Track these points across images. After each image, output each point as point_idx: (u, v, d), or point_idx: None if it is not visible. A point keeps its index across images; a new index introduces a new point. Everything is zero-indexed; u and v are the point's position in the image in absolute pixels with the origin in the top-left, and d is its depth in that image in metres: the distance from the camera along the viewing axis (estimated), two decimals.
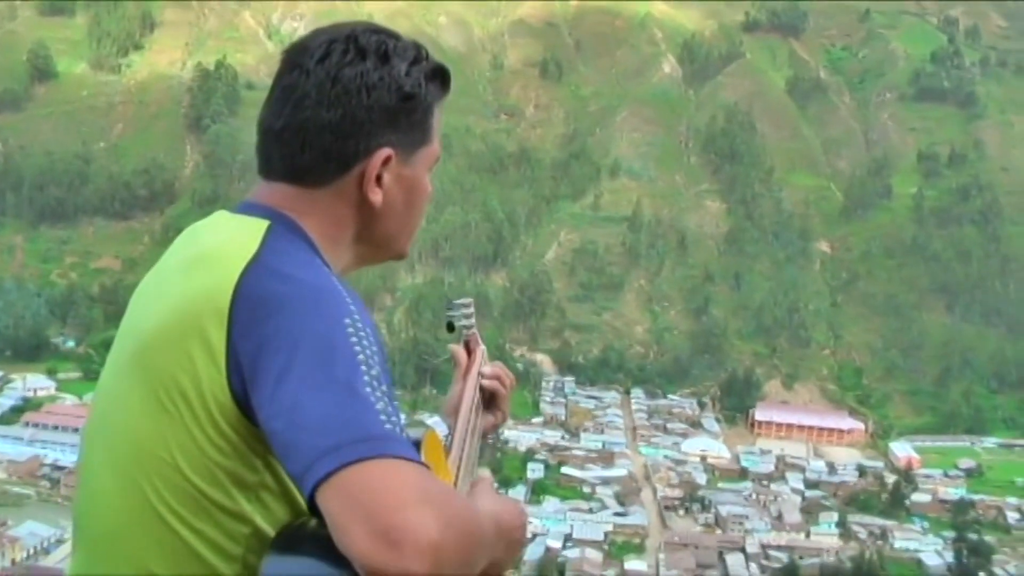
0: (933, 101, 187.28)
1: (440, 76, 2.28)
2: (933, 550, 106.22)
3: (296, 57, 2.20)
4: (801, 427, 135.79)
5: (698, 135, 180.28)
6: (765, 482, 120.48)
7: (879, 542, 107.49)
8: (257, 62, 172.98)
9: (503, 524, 2.02)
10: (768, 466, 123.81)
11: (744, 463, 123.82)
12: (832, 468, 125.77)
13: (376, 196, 2.20)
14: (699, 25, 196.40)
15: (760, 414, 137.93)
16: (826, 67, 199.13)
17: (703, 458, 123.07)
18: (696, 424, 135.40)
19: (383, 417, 1.82)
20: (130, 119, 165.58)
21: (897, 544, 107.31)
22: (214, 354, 1.98)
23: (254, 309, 1.98)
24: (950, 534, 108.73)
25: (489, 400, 2.78)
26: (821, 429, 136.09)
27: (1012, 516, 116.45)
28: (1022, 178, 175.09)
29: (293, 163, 2.19)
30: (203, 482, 1.99)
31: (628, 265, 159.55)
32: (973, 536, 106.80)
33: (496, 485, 2.14)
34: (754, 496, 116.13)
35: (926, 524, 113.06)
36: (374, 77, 2.16)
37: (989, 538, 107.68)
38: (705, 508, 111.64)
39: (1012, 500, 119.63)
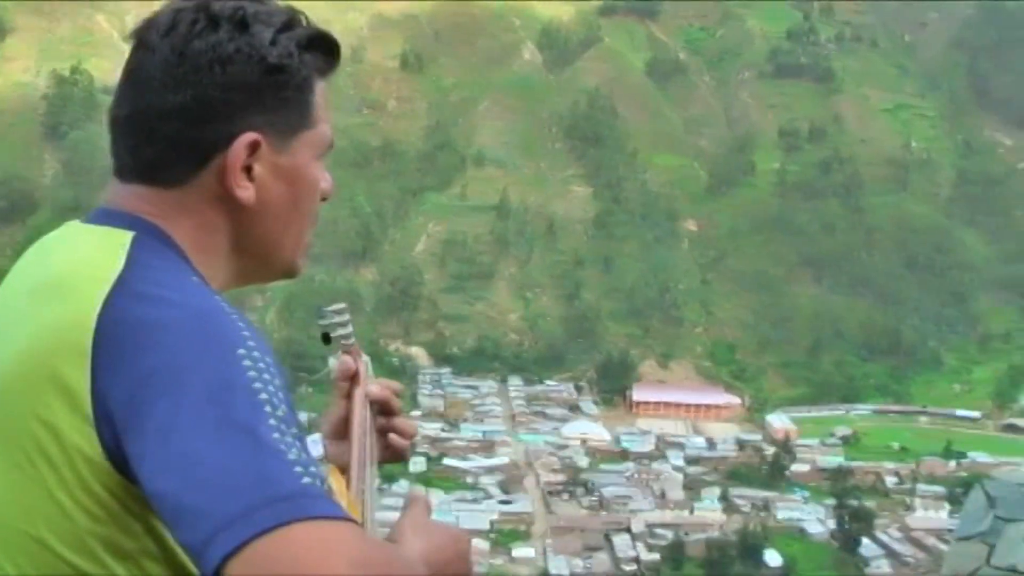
0: (791, 77, 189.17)
1: (321, 45, 1.86)
2: (815, 518, 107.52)
3: (142, 34, 1.82)
4: (678, 405, 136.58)
5: (561, 121, 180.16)
6: (646, 461, 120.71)
7: (762, 514, 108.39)
8: (114, 66, 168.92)
9: (441, 565, 1.68)
10: (648, 446, 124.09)
11: (624, 444, 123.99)
12: (711, 444, 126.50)
13: (245, 192, 1.78)
14: (556, 11, 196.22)
15: (637, 395, 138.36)
16: (684, 48, 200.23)
17: (583, 441, 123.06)
18: (574, 408, 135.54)
19: (299, 469, 1.46)
20: None
21: (780, 515, 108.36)
22: (76, 402, 1.59)
23: (123, 344, 1.58)
24: (831, 502, 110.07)
25: (382, 424, 2.19)
26: (698, 406, 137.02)
27: (890, 480, 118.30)
28: (881, 150, 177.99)
29: (142, 157, 1.79)
30: (75, 555, 1.61)
31: (498, 254, 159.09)
32: (853, 502, 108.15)
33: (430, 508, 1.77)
34: (636, 476, 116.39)
35: (807, 493, 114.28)
36: (229, 48, 1.75)
37: (869, 503, 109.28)
38: (588, 491, 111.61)
39: (889, 465, 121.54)
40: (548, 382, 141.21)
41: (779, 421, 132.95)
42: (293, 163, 1.82)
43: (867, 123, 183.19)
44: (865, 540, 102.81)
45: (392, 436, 2.12)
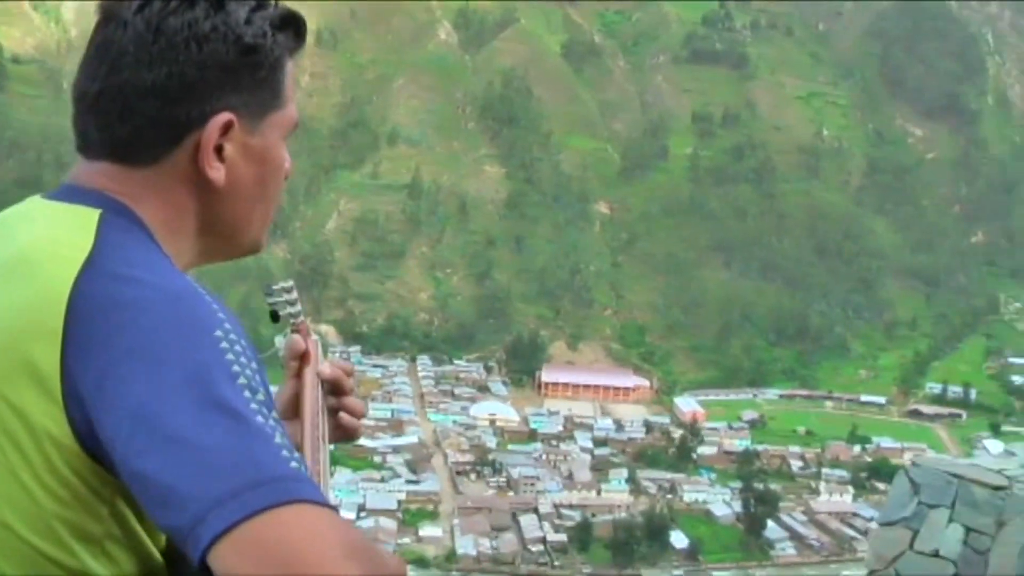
0: (706, 63, 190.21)
1: (292, 25, 1.82)
2: (721, 500, 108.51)
3: (111, 7, 1.74)
4: (587, 387, 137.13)
5: (475, 101, 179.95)
6: (554, 442, 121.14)
7: (669, 495, 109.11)
8: (23, 35, 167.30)
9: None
10: (557, 427, 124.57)
11: (533, 425, 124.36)
12: (619, 425, 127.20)
13: (216, 172, 1.73)
14: None
15: (547, 376, 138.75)
16: (600, 31, 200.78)
17: (492, 422, 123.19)
18: (484, 388, 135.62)
19: (285, 452, 1.45)
20: None
21: (686, 497, 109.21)
22: (45, 383, 1.55)
23: (95, 324, 1.54)
24: (737, 484, 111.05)
25: (332, 404, 2.08)
26: (607, 388, 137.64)
27: (795, 464, 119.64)
28: (794, 137, 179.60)
29: (112, 135, 1.72)
30: (38, 539, 1.57)
31: (410, 233, 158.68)
32: (759, 485, 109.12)
33: None
34: (544, 457, 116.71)
35: (713, 476, 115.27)
36: (205, 27, 1.70)
37: (774, 486, 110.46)
38: (496, 471, 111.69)
39: (795, 448, 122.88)
40: (458, 362, 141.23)
41: (687, 404, 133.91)
42: (263, 144, 1.79)
43: (780, 110, 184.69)
44: (770, 523, 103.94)
45: (343, 415, 2.04)
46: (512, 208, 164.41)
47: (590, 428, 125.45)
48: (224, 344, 1.53)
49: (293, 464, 1.44)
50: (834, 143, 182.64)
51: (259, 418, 1.47)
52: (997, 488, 8.28)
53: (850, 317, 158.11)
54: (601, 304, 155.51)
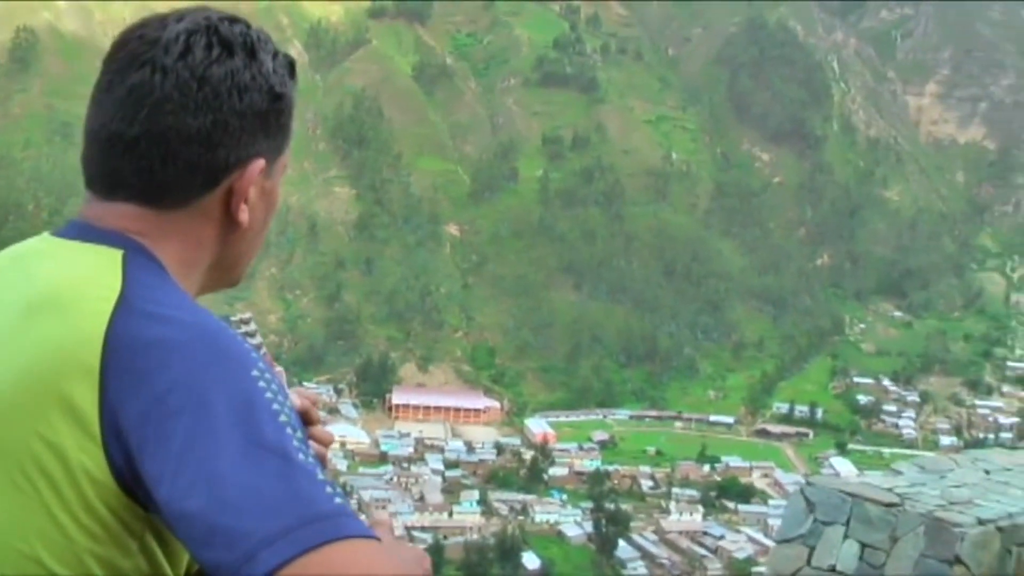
0: (556, 86, 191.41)
1: (294, 70, 1.94)
2: (573, 521, 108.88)
3: (145, 52, 1.79)
4: (438, 408, 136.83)
5: (326, 121, 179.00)
6: (405, 465, 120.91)
7: (520, 517, 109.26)
8: None
9: None
10: (407, 449, 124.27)
11: (384, 447, 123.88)
12: (470, 447, 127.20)
13: (245, 215, 1.83)
14: (325, 11, 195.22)
15: (397, 398, 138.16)
16: (452, 53, 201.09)
17: (342, 444, 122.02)
18: (334, 411, 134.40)
19: (329, 489, 1.51)
20: None
21: (538, 518, 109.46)
22: (83, 421, 1.59)
23: (134, 363, 1.59)
24: (588, 505, 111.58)
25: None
26: (458, 410, 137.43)
27: (646, 484, 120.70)
28: (642, 160, 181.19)
29: (152, 179, 1.77)
30: (68, 573, 1.61)
31: (259, 254, 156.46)
32: (610, 505, 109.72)
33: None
34: (395, 479, 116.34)
35: (564, 496, 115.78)
36: (246, 77, 1.80)
37: (625, 506, 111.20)
38: (347, 494, 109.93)
39: (645, 468, 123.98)
40: (307, 384, 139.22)
41: (538, 425, 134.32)
42: (272, 185, 1.89)
43: (629, 134, 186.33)
44: (622, 542, 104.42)
45: (312, 444, 1.94)
46: (362, 229, 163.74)
47: (441, 450, 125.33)
48: (262, 383, 1.58)
49: (338, 500, 1.49)
50: (682, 167, 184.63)
51: (301, 456, 1.52)
52: (889, 505, 8.38)
53: (698, 338, 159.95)
54: (451, 326, 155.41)
